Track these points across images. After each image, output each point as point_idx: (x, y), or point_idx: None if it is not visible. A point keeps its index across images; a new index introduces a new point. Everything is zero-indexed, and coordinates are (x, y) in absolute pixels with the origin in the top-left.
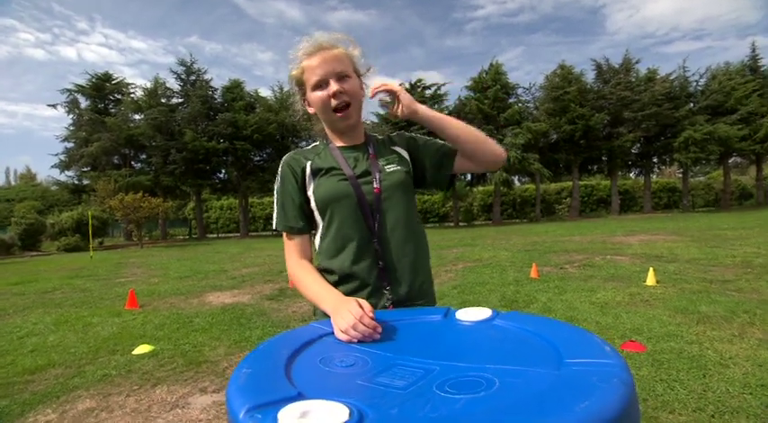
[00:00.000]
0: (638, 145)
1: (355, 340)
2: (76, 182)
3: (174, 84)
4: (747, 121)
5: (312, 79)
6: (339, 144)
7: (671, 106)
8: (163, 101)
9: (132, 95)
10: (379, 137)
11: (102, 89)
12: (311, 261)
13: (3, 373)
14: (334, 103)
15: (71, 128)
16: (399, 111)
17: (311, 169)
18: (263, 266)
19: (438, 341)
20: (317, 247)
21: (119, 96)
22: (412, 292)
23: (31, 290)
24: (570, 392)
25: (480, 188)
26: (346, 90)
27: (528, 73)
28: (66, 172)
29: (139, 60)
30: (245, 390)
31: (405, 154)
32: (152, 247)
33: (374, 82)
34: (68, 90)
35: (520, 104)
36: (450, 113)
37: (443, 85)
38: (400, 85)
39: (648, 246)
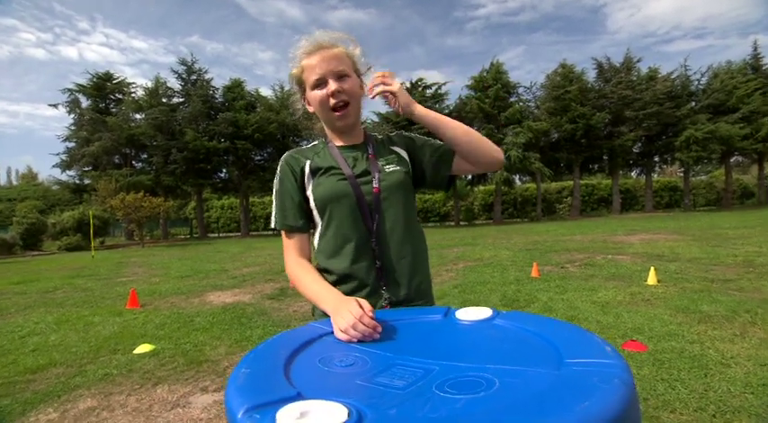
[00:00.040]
0: (640, 144)
1: (355, 340)
2: (78, 181)
3: (174, 83)
4: (749, 119)
5: (311, 78)
6: (338, 143)
7: (672, 105)
8: (164, 100)
9: (133, 95)
10: (379, 136)
11: (104, 89)
12: (310, 260)
13: (4, 373)
14: (332, 102)
15: (72, 127)
16: (399, 109)
17: (310, 168)
18: (264, 266)
19: (438, 341)
20: (315, 246)
21: (120, 96)
22: (410, 292)
23: (32, 289)
24: (570, 393)
25: (481, 187)
26: (345, 89)
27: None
28: (68, 171)
29: (140, 60)
30: (244, 390)
31: (404, 154)
32: (153, 246)
33: (373, 75)
34: (69, 90)
35: (521, 103)
36: (450, 112)
37: (444, 84)
38: (401, 84)
39: (650, 245)
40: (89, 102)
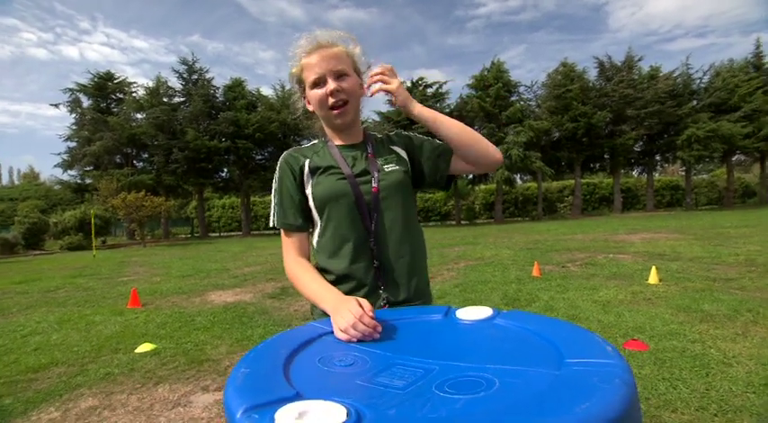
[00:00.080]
0: (641, 143)
1: (355, 339)
2: (79, 181)
3: (175, 83)
4: (751, 118)
5: (310, 77)
6: (338, 142)
7: (674, 104)
8: (165, 100)
9: (134, 94)
10: (379, 136)
11: (105, 88)
12: (309, 259)
13: (6, 372)
14: (331, 101)
15: (73, 127)
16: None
17: (309, 167)
18: (265, 265)
19: (438, 340)
20: (314, 245)
21: (121, 95)
22: (408, 292)
23: (34, 288)
24: (570, 393)
25: (482, 186)
26: (344, 88)
27: (530, 71)
28: (69, 171)
29: (141, 59)
30: (243, 390)
31: (403, 153)
32: (154, 245)
33: (372, 70)
34: (71, 89)
35: (522, 102)
36: (451, 111)
37: (445, 83)
38: (401, 82)
39: (651, 244)
40: (90, 101)
